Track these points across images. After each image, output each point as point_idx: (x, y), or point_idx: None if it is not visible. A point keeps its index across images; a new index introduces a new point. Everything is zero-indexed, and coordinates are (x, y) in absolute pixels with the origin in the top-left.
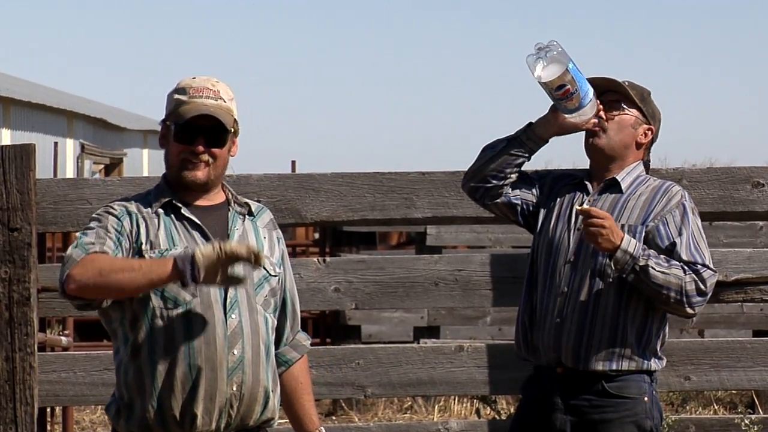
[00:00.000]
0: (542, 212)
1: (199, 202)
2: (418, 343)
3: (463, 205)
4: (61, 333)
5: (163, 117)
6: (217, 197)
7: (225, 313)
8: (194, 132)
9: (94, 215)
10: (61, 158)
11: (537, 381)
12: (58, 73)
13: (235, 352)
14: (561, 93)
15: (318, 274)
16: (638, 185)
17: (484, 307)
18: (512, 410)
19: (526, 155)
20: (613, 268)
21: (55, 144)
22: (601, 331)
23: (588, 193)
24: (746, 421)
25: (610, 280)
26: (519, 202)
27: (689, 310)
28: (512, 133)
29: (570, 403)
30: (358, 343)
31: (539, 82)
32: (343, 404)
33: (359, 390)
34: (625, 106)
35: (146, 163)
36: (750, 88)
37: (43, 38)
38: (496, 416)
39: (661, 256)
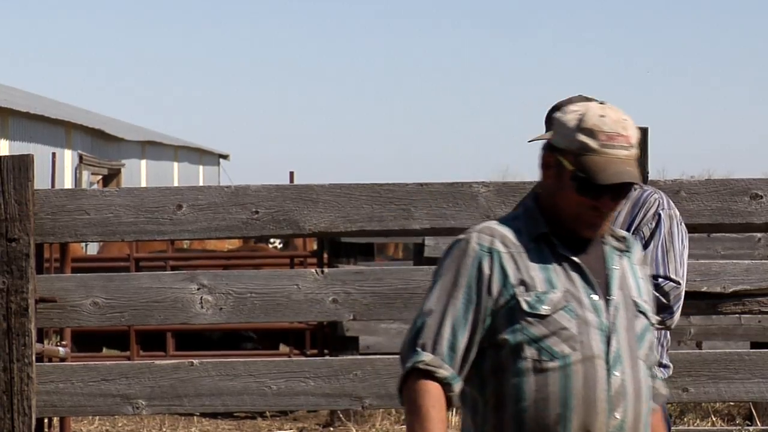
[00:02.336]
0: None
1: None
2: None
3: (461, 216)
4: (58, 343)
5: (554, 145)
6: None
7: (608, 370)
8: (602, 187)
9: (452, 251)
10: (60, 169)
11: None
12: (56, 83)
13: (617, 415)
14: None
15: (316, 285)
16: None
17: None
18: None
19: None
20: None
21: (54, 155)
22: None
23: None
24: None
25: None
26: None
27: (662, 328)
28: None
29: None
30: (355, 354)
31: None
32: (341, 415)
33: (357, 401)
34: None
35: (144, 174)
36: (748, 101)
37: (42, 49)
38: None
39: None
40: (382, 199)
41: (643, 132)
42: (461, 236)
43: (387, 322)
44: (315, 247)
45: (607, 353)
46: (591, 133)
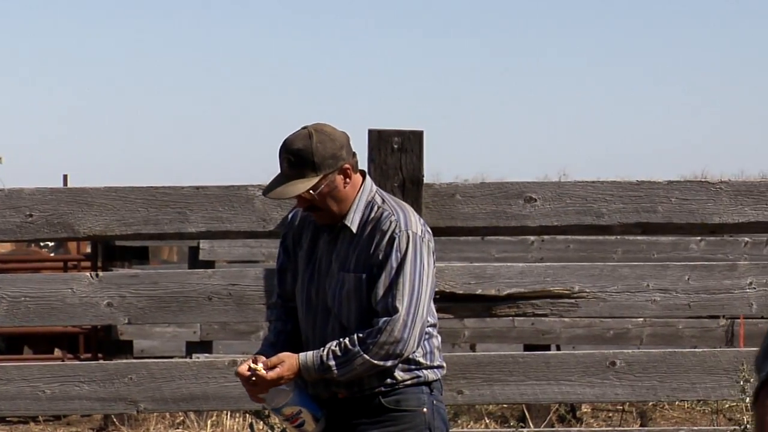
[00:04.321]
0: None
1: None
2: (191, 357)
3: (237, 219)
4: None
5: None
6: None
7: None
8: None
9: None
10: None
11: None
12: None
13: None
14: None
15: (91, 289)
16: (366, 219)
17: (258, 321)
18: (285, 425)
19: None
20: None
21: None
22: None
23: (331, 230)
24: None
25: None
26: None
27: (397, 361)
28: None
29: (351, 423)
30: (130, 358)
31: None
32: (115, 419)
33: (132, 405)
34: (312, 192)
35: None
36: (520, 104)
37: None
38: (269, 431)
39: (342, 342)
40: (158, 203)
41: (418, 135)
42: None
43: (162, 326)
44: (89, 250)
45: None
46: None
